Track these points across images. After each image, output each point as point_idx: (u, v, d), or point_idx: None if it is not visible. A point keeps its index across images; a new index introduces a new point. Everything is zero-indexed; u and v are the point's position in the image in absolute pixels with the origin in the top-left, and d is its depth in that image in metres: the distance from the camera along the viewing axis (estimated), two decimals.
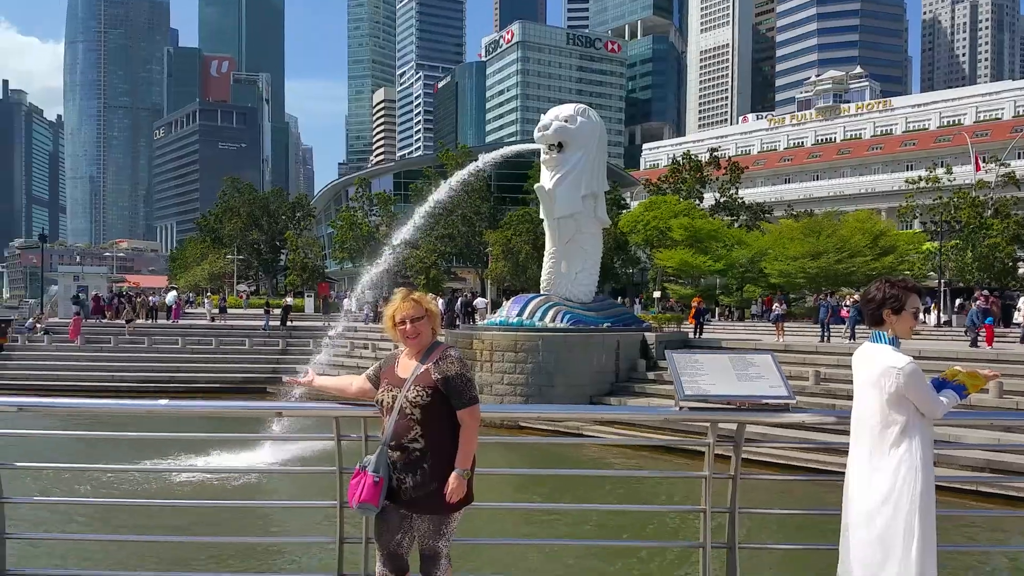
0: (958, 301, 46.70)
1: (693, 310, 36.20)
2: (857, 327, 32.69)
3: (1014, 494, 16.27)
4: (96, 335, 40.42)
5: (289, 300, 52.39)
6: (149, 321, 45.78)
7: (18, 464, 5.64)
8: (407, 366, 4.33)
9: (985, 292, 33.65)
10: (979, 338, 27.96)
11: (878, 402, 4.00)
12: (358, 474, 4.21)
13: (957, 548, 9.01)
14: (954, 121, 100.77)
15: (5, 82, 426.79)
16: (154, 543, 11.48)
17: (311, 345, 37.13)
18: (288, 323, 44.04)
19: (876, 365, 4.04)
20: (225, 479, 16.19)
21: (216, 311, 51.25)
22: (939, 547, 3.92)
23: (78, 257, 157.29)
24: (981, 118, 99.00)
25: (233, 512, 13.43)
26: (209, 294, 67.21)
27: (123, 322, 41.41)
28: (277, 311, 45.60)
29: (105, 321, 44.43)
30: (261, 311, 47.36)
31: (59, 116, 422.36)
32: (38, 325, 41.14)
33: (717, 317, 57.35)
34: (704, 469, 4.94)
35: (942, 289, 50.12)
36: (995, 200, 56.19)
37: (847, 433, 4.32)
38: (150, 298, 54.84)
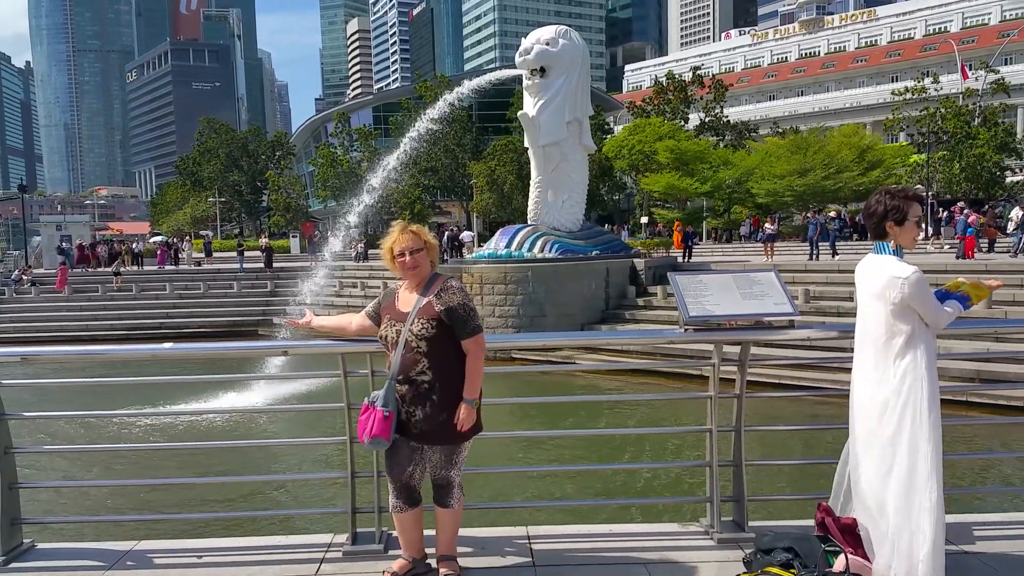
0: (944, 213, 46.88)
1: (677, 234, 36.22)
2: (838, 243, 32.94)
3: (1003, 403, 16.60)
4: (83, 284, 40.24)
5: (264, 240, 51.81)
6: (135, 268, 45.62)
7: (25, 414, 5.65)
8: (408, 300, 4.31)
9: (960, 204, 33.80)
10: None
11: (883, 313, 3.99)
12: (367, 410, 4.22)
13: (955, 456, 9.18)
14: (940, 29, 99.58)
15: None
16: (164, 486, 11.62)
17: (299, 286, 37.03)
18: (273, 265, 43.72)
19: (881, 276, 4.01)
20: (232, 421, 16.29)
21: (202, 255, 51.07)
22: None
23: (59, 206, 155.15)
24: (968, 24, 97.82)
25: (242, 453, 13.56)
26: (191, 238, 66.63)
27: (111, 272, 40.91)
28: (253, 253, 45.26)
29: (92, 270, 44.21)
30: (234, 254, 47.11)
31: (28, 63, 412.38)
32: (24, 277, 40.87)
33: (704, 239, 57.51)
34: (709, 390, 4.98)
35: (930, 201, 50.15)
36: (983, 109, 55.79)
37: (845, 350, 4.34)
38: (133, 245, 54.58)
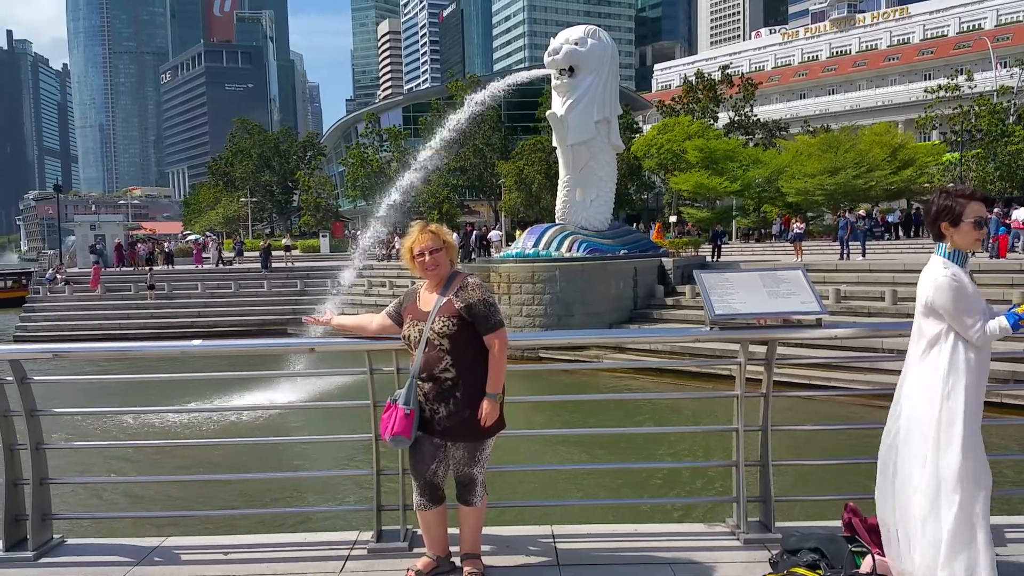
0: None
1: (657, 234, 36.23)
2: (869, 242, 32.51)
3: None
4: (116, 283, 40.72)
5: (284, 241, 52.70)
6: (167, 267, 46.10)
7: (57, 410, 5.73)
8: (429, 299, 4.34)
9: None
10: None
11: (918, 312, 3.92)
12: (389, 408, 4.25)
13: (989, 457, 9.05)
14: (974, 26, 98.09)
15: (9, 32, 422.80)
16: (190, 482, 11.75)
17: (329, 285, 37.29)
18: (271, 265, 44.03)
19: (922, 277, 3.89)
20: (259, 418, 16.44)
21: (232, 255, 51.60)
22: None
23: (93, 206, 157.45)
24: (1002, 21, 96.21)
25: (269, 450, 13.67)
26: (223, 237, 67.33)
27: (146, 285, 39.89)
28: (277, 253, 45.67)
29: (127, 269, 44.73)
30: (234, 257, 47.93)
31: (65, 65, 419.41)
32: (58, 276, 41.45)
33: (735, 238, 57.11)
34: (736, 389, 4.93)
35: None
36: (1017, 106, 54.81)
37: (874, 350, 4.30)
38: (165, 244, 55.28)
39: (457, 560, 4.49)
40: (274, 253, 45.72)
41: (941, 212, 3.87)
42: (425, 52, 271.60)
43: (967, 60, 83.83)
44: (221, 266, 47.91)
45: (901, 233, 47.81)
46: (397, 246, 44.04)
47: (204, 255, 50.91)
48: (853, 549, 4.12)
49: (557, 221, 30.64)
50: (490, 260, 33.78)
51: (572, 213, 29.99)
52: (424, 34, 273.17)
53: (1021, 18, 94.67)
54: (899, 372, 4.04)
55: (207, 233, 75.71)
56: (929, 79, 76.68)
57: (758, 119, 71.30)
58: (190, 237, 51.16)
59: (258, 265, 44.30)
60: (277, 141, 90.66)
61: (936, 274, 3.81)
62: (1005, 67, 60.92)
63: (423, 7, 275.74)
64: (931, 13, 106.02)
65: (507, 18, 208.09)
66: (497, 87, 35.45)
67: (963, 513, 3.68)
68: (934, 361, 3.82)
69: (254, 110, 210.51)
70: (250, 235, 79.67)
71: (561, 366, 21.34)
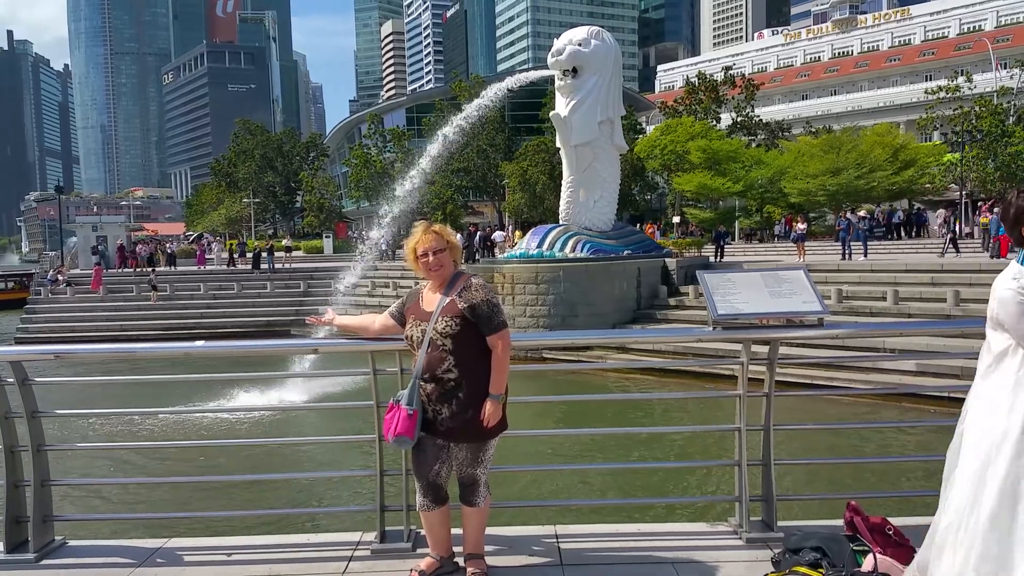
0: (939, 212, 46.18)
1: (648, 231, 36.24)
2: (871, 243, 32.51)
3: None
4: (118, 284, 40.72)
5: (284, 242, 53.04)
6: (170, 268, 46.12)
7: (58, 412, 5.74)
8: (432, 300, 4.34)
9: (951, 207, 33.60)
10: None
11: (987, 324, 3.59)
12: (392, 408, 4.25)
13: None
14: (974, 27, 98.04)
15: (9, 33, 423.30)
16: (193, 483, 11.75)
17: (332, 286, 37.32)
18: (271, 266, 44.18)
19: (992, 286, 3.51)
20: (262, 419, 16.47)
21: (236, 255, 51.64)
22: None
23: (95, 207, 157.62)
24: (1003, 22, 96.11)
25: (272, 451, 13.69)
26: (227, 238, 67.35)
27: (148, 286, 39.81)
28: (279, 254, 45.69)
29: (128, 271, 44.72)
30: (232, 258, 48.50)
31: (66, 65, 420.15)
32: (60, 277, 41.45)
33: (737, 239, 57.11)
34: (738, 388, 4.93)
35: (963, 201, 49.44)
36: (1017, 107, 54.76)
37: (876, 349, 4.27)
38: (167, 245, 55.31)
39: (461, 560, 4.50)
40: (275, 254, 45.74)
41: (1022, 214, 3.46)
42: (428, 53, 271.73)
43: (968, 61, 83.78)
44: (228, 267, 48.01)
45: (903, 233, 47.92)
46: (384, 246, 44.18)
47: (208, 256, 50.94)
48: (855, 548, 4.12)
49: (561, 222, 30.67)
50: (494, 261, 33.81)
51: (576, 214, 30.02)
52: (427, 35, 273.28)
53: (1021, 19, 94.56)
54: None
55: (205, 236, 75.72)
56: (930, 80, 76.70)
57: (760, 120, 71.28)
58: (193, 237, 51.39)
59: (264, 266, 44.29)
60: (280, 142, 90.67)
61: (1002, 285, 3.45)
62: (1005, 68, 60.85)
63: (426, 8, 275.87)
64: (932, 14, 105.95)
65: (511, 19, 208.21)
66: (501, 88, 35.48)
67: (999, 528, 3.33)
68: (999, 377, 3.48)
69: (257, 111, 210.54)
70: (253, 236, 79.80)
71: (564, 366, 21.37)
